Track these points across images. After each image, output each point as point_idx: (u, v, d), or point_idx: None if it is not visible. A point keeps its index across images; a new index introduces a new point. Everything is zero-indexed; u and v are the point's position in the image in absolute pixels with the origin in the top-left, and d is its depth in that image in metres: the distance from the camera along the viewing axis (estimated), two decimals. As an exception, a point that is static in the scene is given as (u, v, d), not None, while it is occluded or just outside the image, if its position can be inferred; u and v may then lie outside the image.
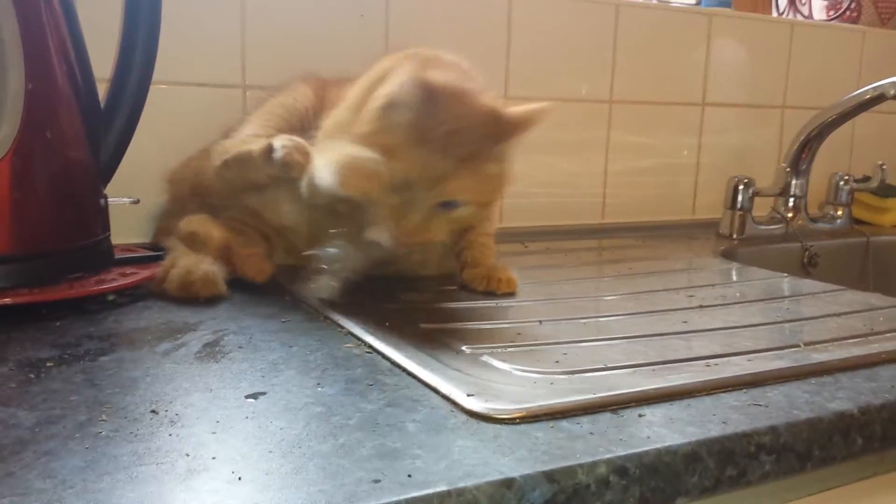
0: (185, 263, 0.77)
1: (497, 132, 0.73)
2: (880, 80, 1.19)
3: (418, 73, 0.71)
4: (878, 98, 1.19)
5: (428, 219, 0.74)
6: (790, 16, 1.63)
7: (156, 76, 0.83)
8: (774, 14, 1.64)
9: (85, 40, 0.78)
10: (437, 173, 0.72)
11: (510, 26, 1.21)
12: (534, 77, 1.24)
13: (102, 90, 0.81)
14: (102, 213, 0.79)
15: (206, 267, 0.76)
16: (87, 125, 0.77)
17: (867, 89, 1.20)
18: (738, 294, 0.88)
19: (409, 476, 0.41)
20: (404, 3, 1.12)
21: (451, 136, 0.71)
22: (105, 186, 0.80)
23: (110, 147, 0.80)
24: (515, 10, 1.21)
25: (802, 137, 1.29)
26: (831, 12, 1.63)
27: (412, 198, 0.73)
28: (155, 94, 0.85)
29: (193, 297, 0.75)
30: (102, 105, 0.80)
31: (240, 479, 0.40)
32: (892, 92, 1.17)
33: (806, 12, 1.64)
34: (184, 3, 0.99)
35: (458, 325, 0.72)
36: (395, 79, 0.72)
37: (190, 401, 0.51)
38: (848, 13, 1.63)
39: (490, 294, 0.83)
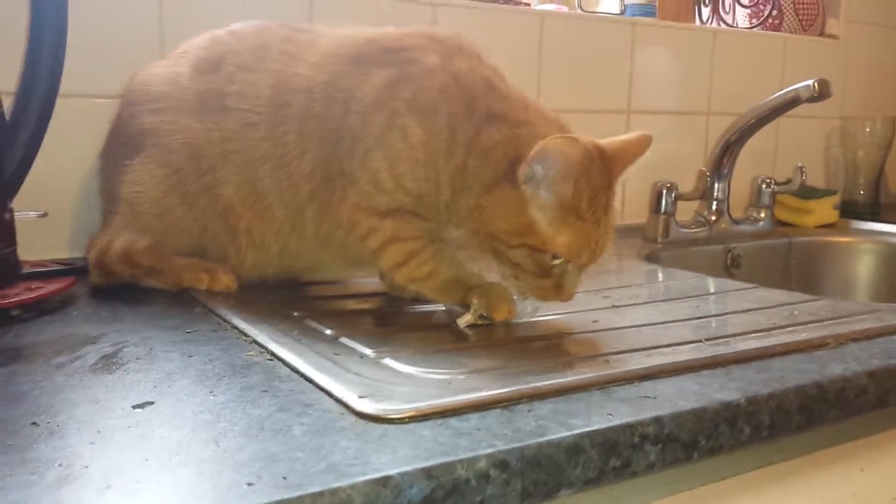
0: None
1: (613, 173, 0.71)
2: (802, 85, 1.22)
3: (550, 146, 0.66)
4: (793, 101, 1.22)
5: (579, 277, 0.72)
6: (714, 24, 1.67)
7: (67, 89, 0.82)
8: (698, 22, 1.67)
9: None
10: (592, 242, 0.69)
11: (434, 36, 1.22)
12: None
13: (9, 103, 0.80)
14: (7, 227, 0.78)
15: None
16: (-11, 138, 0.76)
17: (782, 93, 1.23)
18: (652, 294, 0.90)
19: (284, 478, 0.41)
20: (328, 11, 1.12)
21: (592, 201, 0.68)
22: (11, 200, 0.79)
23: (16, 160, 0.79)
24: (440, 19, 1.22)
25: (723, 142, 1.32)
26: (754, 20, 1.67)
27: (567, 267, 0.70)
28: (67, 107, 0.84)
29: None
30: (7, 118, 0.79)
31: (109, 486, 0.40)
32: (805, 95, 1.20)
33: (729, 20, 1.67)
34: (97, 14, 0.98)
35: (370, 330, 0.73)
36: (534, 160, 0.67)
37: (74, 413, 0.50)
38: (770, 20, 1.67)
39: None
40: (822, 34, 1.74)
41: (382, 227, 0.74)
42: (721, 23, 1.67)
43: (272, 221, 0.80)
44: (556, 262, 0.69)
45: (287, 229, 0.80)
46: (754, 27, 1.67)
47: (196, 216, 0.82)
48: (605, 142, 0.72)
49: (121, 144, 0.86)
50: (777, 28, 1.68)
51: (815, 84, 1.18)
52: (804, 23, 1.71)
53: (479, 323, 0.72)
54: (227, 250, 0.83)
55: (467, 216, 0.72)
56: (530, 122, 0.72)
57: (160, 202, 0.82)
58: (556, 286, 0.70)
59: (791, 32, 1.69)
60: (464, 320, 0.72)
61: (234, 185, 0.80)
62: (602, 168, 0.70)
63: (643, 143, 0.74)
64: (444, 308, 0.78)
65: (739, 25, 1.68)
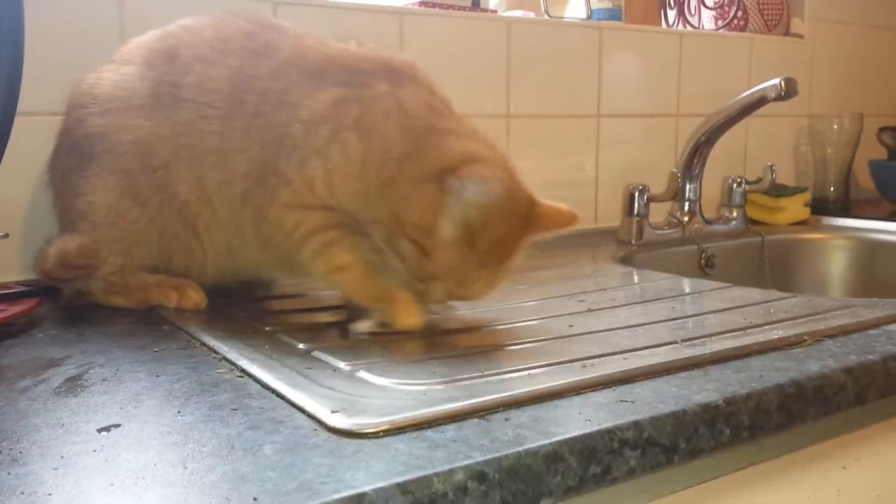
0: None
1: (529, 227, 0.72)
2: (768, 84, 1.22)
3: (491, 179, 0.68)
4: (761, 101, 1.22)
5: (444, 297, 0.75)
6: (680, 26, 1.68)
7: (25, 107, 0.80)
8: (664, 25, 1.68)
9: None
10: (467, 277, 0.71)
11: (402, 43, 1.21)
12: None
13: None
14: (-33, 250, 0.76)
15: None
16: (-55, 159, 0.74)
17: (750, 93, 1.24)
18: (627, 297, 0.89)
19: (255, 499, 0.39)
20: (291, 18, 1.10)
21: (495, 244, 0.70)
22: (-31, 222, 0.77)
23: (-27, 181, 0.77)
24: (407, 28, 1.22)
25: (692, 143, 1.32)
26: (719, 21, 1.68)
27: (436, 286, 0.73)
28: (25, 125, 0.82)
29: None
30: (-36, 138, 0.77)
31: (72, 514, 0.38)
32: (772, 94, 1.20)
33: (695, 22, 1.68)
34: (56, 30, 0.96)
35: (342, 342, 0.71)
36: (467, 179, 0.68)
37: (37, 437, 0.48)
38: (735, 21, 1.68)
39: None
40: (787, 33, 1.75)
41: (307, 220, 0.75)
42: (687, 25, 1.68)
43: (217, 221, 0.81)
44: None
45: (231, 229, 0.81)
46: (720, 29, 1.68)
47: (151, 216, 0.81)
48: (544, 201, 0.74)
49: (69, 151, 0.84)
50: (742, 29, 1.69)
51: (782, 83, 1.19)
52: (769, 23, 1.72)
53: (379, 330, 0.72)
54: (192, 251, 0.83)
55: (384, 202, 0.72)
56: (470, 137, 0.74)
57: (113, 208, 0.80)
58: (423, 291, 0.73)
59: (756, 33, 1.70)
60: (363, 326, 0.72)
61: (188, 183, 0.80)
62: (522, 222, 0.71)
63: (569, 220, 0.75)
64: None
65: (705, 27, 1.69)
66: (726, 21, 1.67)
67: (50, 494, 0.41)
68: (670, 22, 1.68)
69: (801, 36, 1.76)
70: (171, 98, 0.79)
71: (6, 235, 0.83)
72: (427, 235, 0.70)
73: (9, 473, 0.43)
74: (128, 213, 0.80)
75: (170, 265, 0.84)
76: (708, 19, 1.69)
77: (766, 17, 1.72)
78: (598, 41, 1.42)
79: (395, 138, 0.73)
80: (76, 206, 0.81)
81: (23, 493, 0.41)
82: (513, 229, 0.71)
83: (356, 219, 0.75)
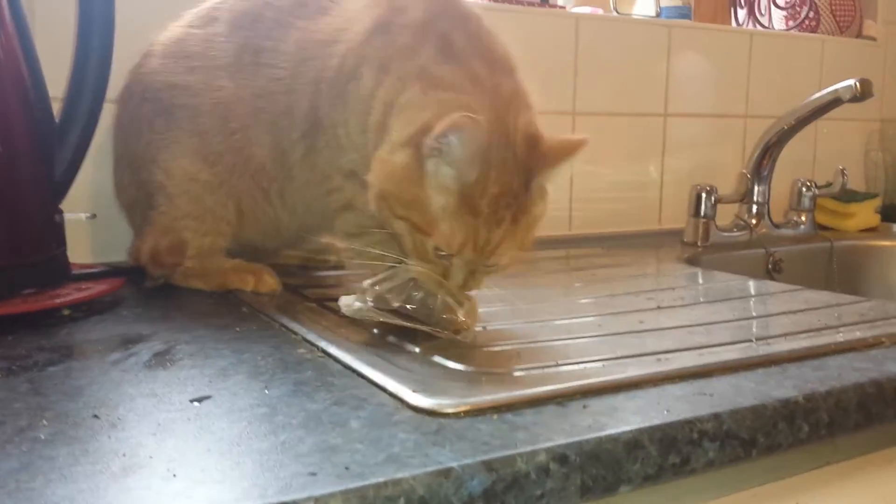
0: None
1: (535, 167, 0.65)
2: (840, 87, 1.20)
3: (465, 125, 0.60)
4: (834, 102, 1.21)
5: (472, 275, 0.67)
6: (750, 26, 1.66)
7: (114, 95, 0.83)
8: (734, 24, 1.66)
9: (38, 56, 0.78)
10: (481, 240, 0.64)
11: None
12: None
13: (58, 109, 0.81)
14: (57, 229, 0.79)
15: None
16: (39, 140, 0.77)
17: (823, 94, 1.22)
18: (696, 296, 0.89)
19: (347, 469, 0.41)
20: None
21: (497, 200, 0.63)
22: (60, 202, 0.80)
23: (64, 162, 0.80)
24: (476, 24, 1.22)
25: (763, 144, 1.30)
26: (790, 21, 1.66)
27: (456, 261, 0.65)
28: (114, 112, 0.85)
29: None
30: (57, 120, 0.80)
31: (174, 476, 0.40)
32: (847, 96, 1.18)
33: (765, 22, 1.66)
34: (139, 20, 0.99)
35: (415, 328, 0.72)
36: (438, 129, 0.60)
37: (133, 405, 0.50)
38: (806, 22, 1.65)
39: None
40: (859, 36, 1.72)
41: (342, 189, 0.75)
42: (757, 25, 1.66)
43: (293, 185, 0.82)
44: (441, 252, 0.64)
45: (304, 191, 0.82)
46: (791, 29, 1.65)
47: (222, 179, 0.82)
48: (551, 136, 0.66)
49: (143, 98, 0.84)
50: (814, 30, 1.67)
51: (857, 84, 1.17)
52: (841, 24, 1.69)
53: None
54: (266, 214, 0.85)
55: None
56: (461, 89, 0.66)
57: (188, 172, 0.82)
58: (442, 274, 0.66)
59: (828, 34, 1.67)
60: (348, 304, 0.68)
61: (266, 146, 0.81)
62: (524, 162, 0.64)
63: (577, 145, 0.66)
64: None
65: (775, 27, 1.66)
66: (797, 21, 1.65)
67: (151, 457, 0.43)
68: (740, 21, 1.66)
69: (873, 38, 1.73)
70: (252, 61, 0.80)
71: (94, 216, 0.86)
72: (415, 208, 0.63)
73: (109, 437, 0.45)
74: (199, 175, 0.82)
75: (245, 236, 0.86)
76: (779, 19, 1.67)
77: (838, 19, 1.69)
78: (667, 39, 1.41)
79: (385, 78, 0.69)
80: (153, 175, 0.83)
81: (124, 455, 0.43)
82: (513, 174, 0.63)
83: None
